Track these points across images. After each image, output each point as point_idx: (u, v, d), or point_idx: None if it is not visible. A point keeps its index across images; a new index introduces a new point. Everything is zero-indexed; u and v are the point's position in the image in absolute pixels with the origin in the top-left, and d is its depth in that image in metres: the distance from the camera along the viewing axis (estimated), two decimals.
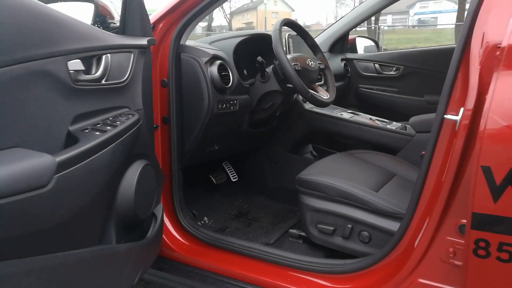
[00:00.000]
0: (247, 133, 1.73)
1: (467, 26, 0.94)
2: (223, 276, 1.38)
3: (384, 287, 1.15)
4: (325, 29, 2.65)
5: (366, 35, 3.35)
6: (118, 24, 1.23)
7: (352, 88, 2.62)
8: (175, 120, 1.43)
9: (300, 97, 1.93)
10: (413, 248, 1.07)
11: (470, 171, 0.90)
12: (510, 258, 0.83)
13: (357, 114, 1.97)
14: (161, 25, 1.42)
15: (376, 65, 2.60)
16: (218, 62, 1.49)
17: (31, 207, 0.71)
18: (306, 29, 1.75)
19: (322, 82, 1.91)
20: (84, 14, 1.16)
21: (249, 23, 37.53)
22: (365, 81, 2.61)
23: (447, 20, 25.84)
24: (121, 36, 1.16)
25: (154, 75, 1.37)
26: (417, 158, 1.69)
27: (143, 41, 1.19)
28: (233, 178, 2.05)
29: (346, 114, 1.94)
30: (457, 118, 0.94)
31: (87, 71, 0.98)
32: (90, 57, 0.99)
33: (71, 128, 0.89)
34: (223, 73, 1.49)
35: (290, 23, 1.66)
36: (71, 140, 0.87)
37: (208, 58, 1.45)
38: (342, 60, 2.53)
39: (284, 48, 1.51)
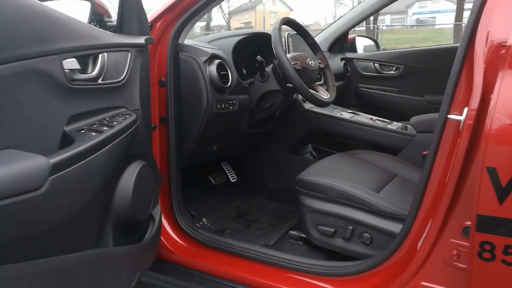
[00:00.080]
0: (247, 133, 1.71)
1: (471, 24, 0.92)
2: (222, 278, 1.36)
3: None
4: (324, 29, 2.63)
5: (366, 35, 3.34)
6: (115, 22, 1.20)
7: (352, 88, 2.60)
8: (174, 120, 1.41)
9: (300, 97, 1.91)
10: (416, 250, 1.05)
11: (474, 172, 0.88)
12: None
13: (357, 114, 1.96)
14: (159, 23, 1.40)
15: (376, 65, 2.58)
16: (217, 61, 1.47)
17: (24, 211, 0.69)
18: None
19: (321, 81, 1.89)
20: (80, 13, 1.14)
21: (247, 23, 37.53)
22: (365, 81, 2.60)
23: (446, 20, 25.88)
24: (118, 34, 1.14)
25: (152, 75, 1.35)
26: (418, 159, 1.67)
27: (141, 40, 1.17)
28: (232, 179, 2.03)
29: (346, 114, 1.92)
30: (461, 118, 0.92)
31: (83, 70, 0.95)
32: (86, 56, 0.96)
33: (66, 128, 0.86)
34: (222, 73, 1.48)
35: (289, 22, 1.64)
36: (67, 141, 0.85)
37: (206, 57, 1.43)
38: (341, 59, 2.52)
39: (284, 47, 1.49)
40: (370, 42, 2.82)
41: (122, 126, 0.99)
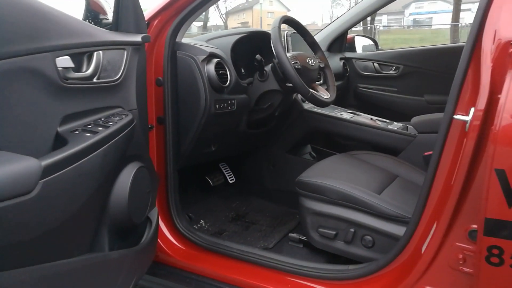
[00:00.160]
0: (245, 133, 1.69)
1: (478, 22, 0.90)
2: (220, 282, 1.34)
3: None
4: (323, 29, 2.61)
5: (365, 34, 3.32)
6: (111, 20, 1.17)
7: (351, 87, 2.58)
8: (171, 121, 1.38)
9: (299, 97, 1.89)
10: (420, 254, 1.03)
11: (481, 174, 0.86)
12: None
13: (357, 114, 1.93)
14: (156, 22, 1.38)
15: (375, 65, 2.56)
16: (215, 60, 1.44)
17: (14, 216, 0.66)
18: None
19: (321, 81, 1.86)
20: (74, 9, 1.10)
21: (244, 23, 37.50)
22: (364, 81, 2.58)
23: (442, 20, 25.97)
24: (114, 32, 1.11)
25: (149, 74, 1.32)
26: (419, 159, 1.66)
27: (137, 38, 1.14)
28: (230, 180, 2.00)
29: (346, 114, 1.90)
30: (467, 118, 0.89)
31: (77, 68, 0.92)
32: (80, 54, 0.93)
33: (59, 129, 0.83)
34: (220, 72, 1.45)
35: (289, 21, 1.61)
36: (60, 142, 0.82)
37: (205, 56, 1.41)
38: (340, 59, 2.50)
39: (283, 46, 1.46)
40: (369, 42, 2.80)
41: (118, 127, 0.96)
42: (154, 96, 1.37)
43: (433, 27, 26.28)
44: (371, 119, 1.90)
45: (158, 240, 1.37)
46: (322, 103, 1.52)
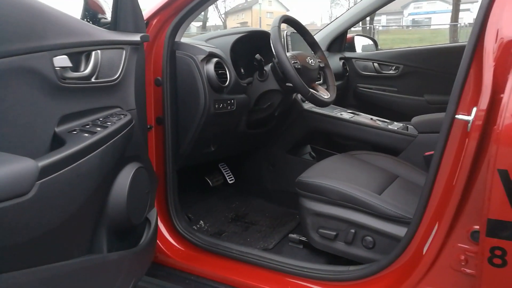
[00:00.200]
0: (245, 134, 1.68)
1: (480, 21, 0.89)
2: (219, 283, 1.33)
3: None
4: (321, 29, 2.60)
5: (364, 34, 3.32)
6: (109, 19, 1.16)
7: (351, 87, 2.57)
8: (170, 121, 1.37)
9: (299, 97, 1.88)
10: (422, 255, 1.02)
11: (484, 174, 0.85)
12: None
13: (357, 114, 1.92)
14: (155, 21, 1.37)
15: (375, 64, 2.55)
16: (215, 60, 1.43)
17: (11, 217, 0.65)
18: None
19: (321, 81, 1.86)
20: (72, 8, 1.09)
21: (243, 23, 37.49)
22: (364, 81, 2.57)
23: (441, 20, 25.99)
24: (112, 31, 1.10)
25: (148, 74, 1.31)
26: (419, 160, 1.65)
27: (136, 37, 1.13)
28: (230, 180, 1.99)
29: (346, 114, 1.89)
30: (470, 118, 0.88)
31: (75, 68, 0.91)
32: (78, 53, 0.92)
33: (57, 129, 0.82)
34: (220, 72, 1.44)
35: (289, 20, 1.60)
36: (58, 142, 0.81)
37: (204, 56, 1.40)
38: (340, 59, 2.49)
39: (283, 46, 1.45)
40: (368, 42, 2.79)
41: (117, 127, 0.95)
42: (153, 96, 1.36)
43: (432, 27, 26.30)
44: (371, 119, 1.89)
45: (157, 241, 1.36)
46: (322, 103, 1.51)
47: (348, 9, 2.59)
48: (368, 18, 14.03)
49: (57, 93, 0.82)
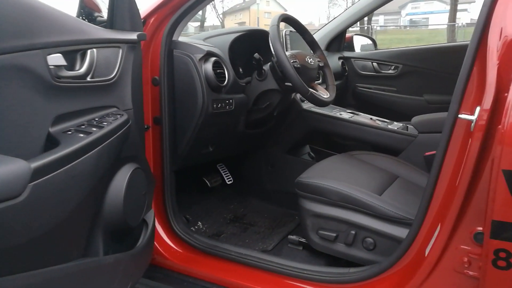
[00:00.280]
0: (243, 134, 1.66)
1: (483, 19, 0.87)
2: (218, 285, 1.32)
3: None
4: (319, 29, 2.58)
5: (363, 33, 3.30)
6: (105, 18, 1.14)
7: (350, 87, 2.55)
8: (167, 121, 1.36)
9: (298, 96, 1.86)
10: (424, 257, 1.00)
11: (488, 175, 0.83)
12: None
13: (356, 114, 1.91)
14: (152, 20, 1.35)
15: (374, 64, 2.53)
16: (213, 59, 1.42)
17: (1, 221, 0.62)
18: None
19: (320, 80, 1.84)
20: (67, 6, 1.07)
21: (241, 23, 37.47)
22: (363, 80, 2.55)
23: (439, 20, 26.05)
24: (108, 30, 1.08)
25: (145, 73, 1.29)
26: (420, 160, 1.64)
27: (133, 36, 1.11)
28: (228, 181, 1.97)
29: (345, 114, 1.88)
30: (473, 117, 0.87)
31: (70, 67, 0.89)
32: (73, 52, 0.90)
33: (51, 129, 0.80)
34: (218, 71, 1.42)
35: (288, 19, 1.59)
36: (52, 143, 0.79)
37: (202, 55, 1.38)
38: (339, 58, 2.47)
39: (282, 45, 1.43)
40: (367, 41, 2.77)
41: (113, 127, 0.93)
42: (150, 96, 1.34)
43: (429, 27, 26.35)
44: (371, 119, 1.88)
45: (155, 242, 1.35)
46: (321, 103, 1.49)
47: (346, 9, 2.57)
48: (366, 18, 14.01)
49: (51, 92, 0.80)
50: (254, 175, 1.97)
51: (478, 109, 0.85)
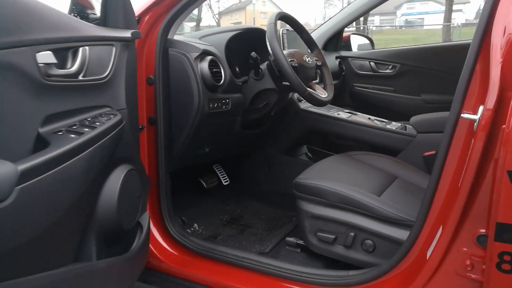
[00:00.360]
0: (240, 134, 1.63)
1: (486, 15, 0.85)
2: None
3: None
4: (316, 29, 2.56)
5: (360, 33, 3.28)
6: (98, 15, 1.11)
7: (347, 87, 2.53)
8: (163, 121, 1.33)
9: (296, 96, 1.84)
10: (425, 260, 0.98)
11: (491, 176, 0.81)
12: None
13: (354, 114, 1.89)
14: (147, 17, 1.32)
15: (372, 63, 2.51)
16: (209, 58, 1.39)
17: None
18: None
19: (317, 80, 1.82)
20: (58, 2, 1.04)
21: (237, 23, 37.44)
22: (360, 80, 2.53)
23: (434, 21, 26.16)
24: (101, 27, 1.05)
25: (140, 72, 1.27)
26: (419, 160, 1.62)
27: (127, 34, 1.08)
28: (225, 182, 1.95)
29: (343, 114, 1.85)
30: (476, 117, 0.85)
31: (61, 65, 0.86)
32: (64, 49, 0.87)
33: (41, 130, 0.77)
34: (214, 70, 1.40)
35: (285, 17, 1.56)
36: (42, 144, 0.76)
37: (198, 54, 1.36)
38: (336, 58, 2.45)
39: (280, 44, 1.41)
40: (365, 41, 2.76)
41: (106, 127, 0.91)
42: (145, 95, 1.32)
43: (425, 27, 26.46)
44: (369, 118, 1.86)
45: (150, 245, 1.32)
46: (319, 102, 1.47)
47: (342, 9, 2.56)
48: (361, 19, 14.05)
49: (41, 91, 0.77)
50: (251, 176, 1.95)
51: (481, 108, 0.83)
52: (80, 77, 0.91)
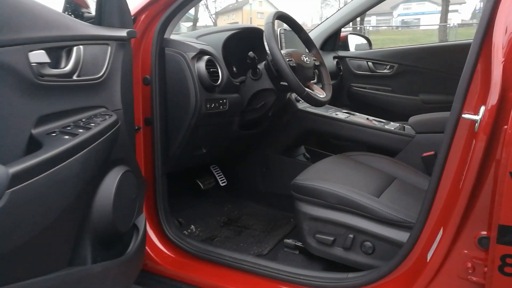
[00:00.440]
0: (237, 135, 1.62)
1: (487, 14, 0.84)
2: None
3: None
4: (313, 29, 2.55)
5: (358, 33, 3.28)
6: (93, 14, 1.09)
7: (345, 87, 2.52)
8: (159, 121, 1.31)
9: (293, 96, 1.82)
10: (426, 262, 0.97)
11: (493, 177, 0.80)
12: None
13: (352, 114, 1.88)
14: (143, 17, 1.30)
15: (369, 63, 2.51)
16: (206, 57, 1.37)
17: None
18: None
19: (315, 80, 1.80)
20: (52, 1, 1.02)
21: (234, 23, 37.37)
22: (358, 80, 2.52)
23: (430, 21, 26.26)
24: (96, 26, 1.03)
25: (136, 72, 1.25)
26: (417, 160, 1.61)
27: (122, 33, 1.06)
28: (222, 183, 1.93)
29: (341, 114, 1.84)
30: (477, 117, 0.83)
31: (55, 64, 0.84)
32: (57, 49, 0.85)
33: (34, 131, 0.75)
34: (211, 70, 1.38)
35: (283, 17, 1.55)
36: (35, 145, 0.74)
37: (195, 53, 1.34)
38: (334, 58, 2.44)
39: (278, 43, 1.39)
40: (362, 41, 2.75)
41: (101, 128, 0.89)
42: (141, 96, 1.30)
43: (421, 27, 26.54)
44: (367, 119, 1.85)
45: (146, 248, 1.30)
46: (318, 103, 1.45)
47: (339, 9, 2.55)
48: (358, 19, 14.08)
49: (34, 91, 0.75)
50: (249, 176, 1.93)
51: (482, 108, 0.82)
52: (75, 77, 0.89)
